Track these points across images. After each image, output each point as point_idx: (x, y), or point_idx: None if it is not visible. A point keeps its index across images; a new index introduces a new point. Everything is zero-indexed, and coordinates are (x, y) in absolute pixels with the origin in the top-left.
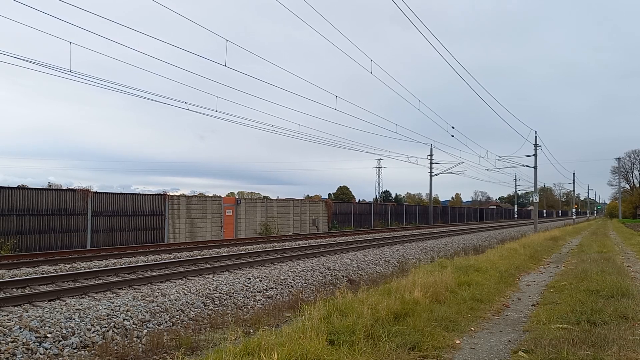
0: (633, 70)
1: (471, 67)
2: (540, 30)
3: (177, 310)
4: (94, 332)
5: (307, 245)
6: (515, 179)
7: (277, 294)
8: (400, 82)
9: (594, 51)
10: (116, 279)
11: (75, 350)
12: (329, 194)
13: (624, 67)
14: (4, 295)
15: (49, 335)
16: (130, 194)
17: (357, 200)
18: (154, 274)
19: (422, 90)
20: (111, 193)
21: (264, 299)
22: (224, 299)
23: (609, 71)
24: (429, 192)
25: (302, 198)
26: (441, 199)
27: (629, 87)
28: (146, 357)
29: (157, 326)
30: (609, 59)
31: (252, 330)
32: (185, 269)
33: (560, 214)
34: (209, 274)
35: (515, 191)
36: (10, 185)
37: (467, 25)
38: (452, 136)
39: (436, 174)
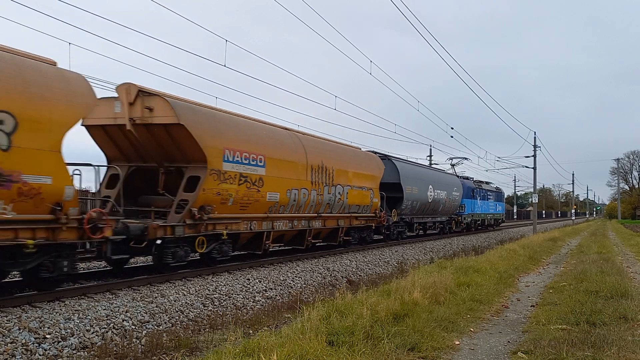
0: (625, 71)
1: (460, 71)
2: (529, 34)
3: (177, 311)
4: (93, 333)
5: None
6: (515, 180)
7: (276, 295)
8: (399, 83)
9: (583, 53)
10: (115, 280)
11: (74, 351)
12: None
13: (616, 69)
14: (4, 297)
15: (48, 336)
16: None
17: None
18: (153, 274)
19: (420, 92)
20: None
21: (263, 300)
22: (223, 300)
23: (601, 73)
24: None
25: None
26: None
27: (622, 89)
28: (145, 358)
29: (156, 327)
30: (600, 60)
31: (251, 331)
32: (185, 270)
33: (559, 215)
34: (208, 275)
35: (515, 192)
36: None
37: (456, 29)
38: (452, 137)
39: None
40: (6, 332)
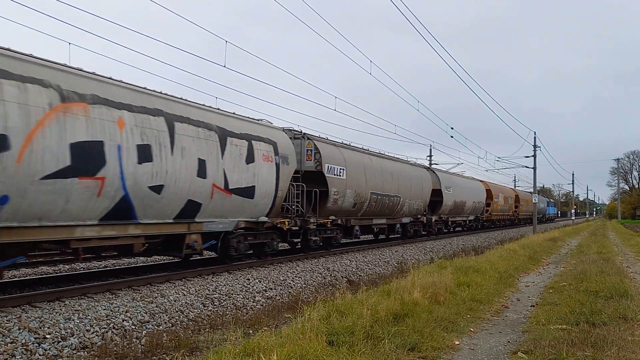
0: (621, 72)
1: (461, 72)
2: (527, 36)
3: (177, 311)
4: (93, 333)
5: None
6: (515, 180)
7: (276, 295)
8: (399, 83)
9: (578, 55)
10: (115, 280)
11: (74, 351)
12: None
13: (612, 70)
14: (4, 296)
15: (48, 336)
16: None
17: None
18: (153, 274)
19: (420, 92)
20: None
21: (263, 300)
22: (223, 300)
23: (597, 74)
24: None
25: None
26: None
27: (619, 90)
28: (145, 358)
29: (156, 327)
30: (595, 62)
31: (251, 331)
32: (185, 270)
33: (559, 215)
34: (208, 275)
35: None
36: None
37: (456, 30)
38: (452, 137)
39: None
40: (6, 332)
